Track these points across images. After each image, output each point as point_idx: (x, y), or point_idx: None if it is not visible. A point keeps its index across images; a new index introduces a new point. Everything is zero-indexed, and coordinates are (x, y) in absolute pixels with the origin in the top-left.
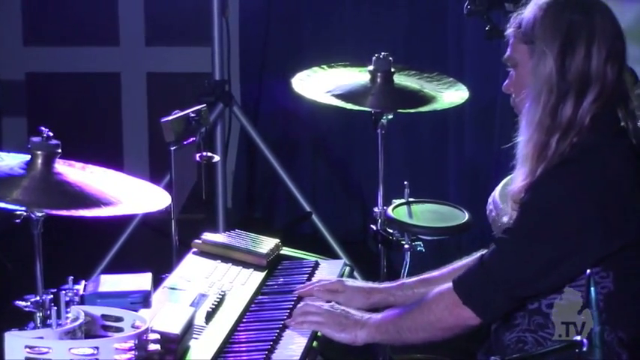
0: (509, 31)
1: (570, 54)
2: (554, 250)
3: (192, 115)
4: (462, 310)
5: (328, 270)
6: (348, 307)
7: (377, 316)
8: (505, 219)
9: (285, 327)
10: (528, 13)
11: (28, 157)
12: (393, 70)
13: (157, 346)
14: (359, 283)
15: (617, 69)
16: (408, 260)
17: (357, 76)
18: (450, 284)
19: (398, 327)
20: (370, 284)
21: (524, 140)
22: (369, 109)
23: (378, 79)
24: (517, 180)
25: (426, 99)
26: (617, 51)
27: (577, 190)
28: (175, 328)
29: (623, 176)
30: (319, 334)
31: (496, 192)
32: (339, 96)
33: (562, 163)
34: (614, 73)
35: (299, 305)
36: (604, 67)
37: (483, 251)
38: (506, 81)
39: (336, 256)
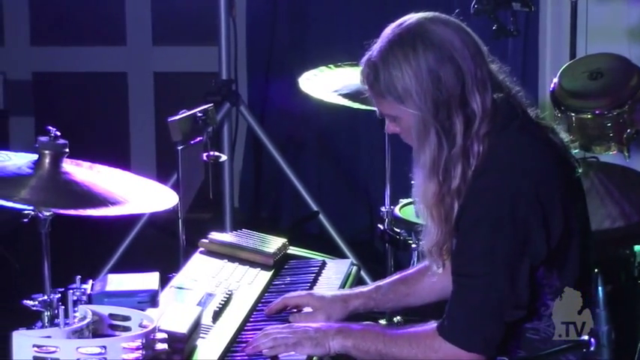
0: (366, 88)
1: (445, 108)
2: (511, 252)
3: (199, 114)
4: (467, 357)
5: (335, 269)
6: (328, 321)
7: (354, 328)
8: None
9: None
10: (383, 68)
11: (35, 156)
12: None
13: (165, 346)
14: (330, 292)
15: (490, 84)
16: (416, 259)
17: None
18: (433, 327)
19: (380, 351)
20: (342, 292)
21: (422, 193)
22: (375, 109)
23: None
24: (431, 237)
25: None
26: (482, 67)
27: (505, 194)
28: (182, 327)
29: (536, 169)
30: None
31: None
32: (345, 95)
33: (479, 175)
34: (489, 88)
35: (261, 333)
36: (481, 95)
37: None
38: (386, 126)
39: (343, 256)
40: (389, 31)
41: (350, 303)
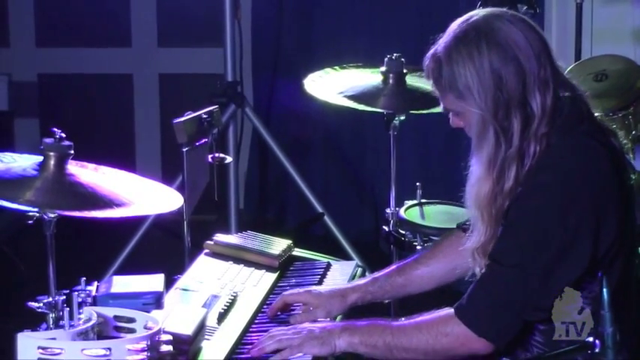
0: (431, 83)
1: (505, 107)
2: (553, 254)
3: (205, 116)
4: (476, 342)
5: (340, 271)
6: (328, 317)
7: (359, 324)
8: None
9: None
10: (447, 65)
11: (40, 158)
12: (405, 71)
13: (170, 347)
14: (328, 287)
15: (552, 83)
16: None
17: (370, 77)
18: (450, 312)
19: (389, 344)
20: (340, 286)
21: (476, 192)
22: (381, 110)
23: (391, 80)
24: (475, 239)
25: (438, 100)
26: (545, 63)
27: (561, 196)
28: (187, 329)
29: (598, 175)
30: None
31: None
32: (351, 97)
33: (545, 168)
34: (552, 88)
35: (266, 335)
36: (541, 95)
37: None
38: (451, 120)
39: (348, 257)
40: (455, 26)
41: (348, 297)
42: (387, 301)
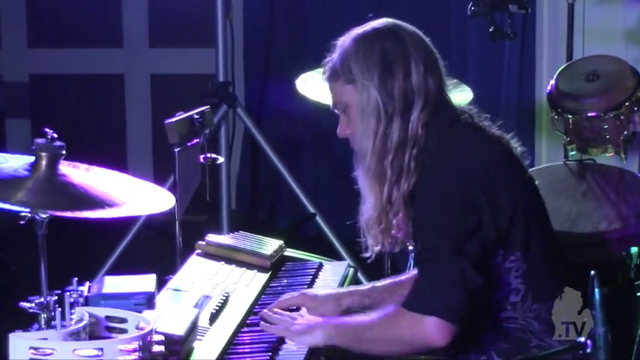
0: (325, 77)
1: (390, 79)
2: (455, 234)
3: (196, 116)
4: (430, 324)
5: (332, 271)
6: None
7: (336, 319)
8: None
9: None
10: (341, 54)
11: (32, 158)
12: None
13: (161, 348)
14: (324, 291)
15: (437, 78)
16: (412, 262)
17: None
18: (395, 306)
19: (358, 336)
20: (337, 290)
21: (361, 173)
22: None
23: None
24: (365, 211)
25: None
26: (432, 62)
27: (454, 182)
28: (179, 329)
29: (478, 152)
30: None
31: None
32: None
33: (426, 173)
34: (435, 82)
35: (283, 316)
36: (424, 79)
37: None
38: (339, 127)
39: (340, 258)
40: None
41: (343, 301)
42: None
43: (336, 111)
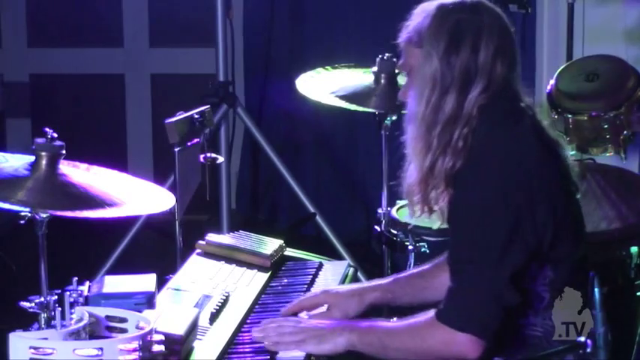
0: (400, 41)
1: (455, 51)
2: (498, 243)
3: (197, 116)
4: (462, 339)
5: (332, 271)
6: (344, 317)
7: (359, 324)
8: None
9: None
10: (417, 18)
11: (32, 158)
12: (397, 71)
13: (161, 347)
14: (346, 286)
15: (507, 64)
16: (412, 261)
17: (361, 78)
18: (432, 315)
19: (384, 343)
20: (358, 285)
21: (409, 137)
22: (373, 110)
23: (382, 81)
24: (409, 176)
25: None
26: (505, 48)
27: (498, 184)
28: (179, 329)
29: (529, 158)
30: None
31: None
32: (343, 97)
33: (473, 160)
34: (504, 69)
35: (270, 323)
36: (492, 61)
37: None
38: (401, 90)
39: (340, 257)
40: None
41: (366, 297)
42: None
43: (402, 74)
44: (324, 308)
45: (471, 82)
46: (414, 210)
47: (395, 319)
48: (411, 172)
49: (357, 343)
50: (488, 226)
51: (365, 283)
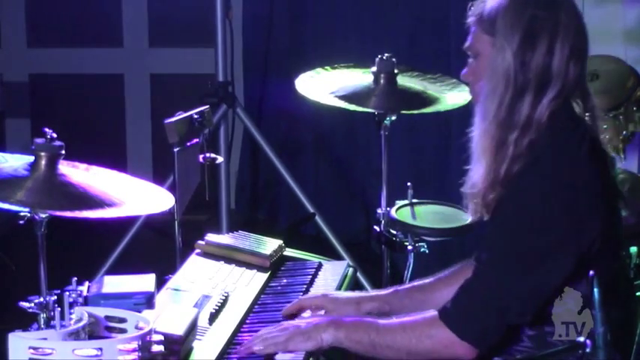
0: (471, 19)
1: (530, 50)
2: (531, 257)
3: (196, 116)
4: (459, 346)
5: (332, 271)
6: None
7: (346, 320)
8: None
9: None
10: (492, 2)
11: (31, 158)
12: (396, 71)
13: (161, 347)
14: (345, 293)
15: (579, 66)
16: (412, 261)
17: (361, 78)
18: (434, 314)
19: (374, 341)
20: (358, 293)
21: (479, 133)
22: (372, 110)
23: (382, 81)
24: (474, 175)
25: (429, 100)
26: (580, 48)
27: (552, 193)
28: (179, 329)
29: (589, 173)
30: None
31: None
32: (342, 97)
33: (532, 165)
34: (577, 70)
35: (257, 335)
36: (566, 64)
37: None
38: (465, 69)
39: (339, 257)
40: None
41: (363, 306)
42: None
43: (468, 55)
44: (321, 312)
45: (546, 85)
46: (474, 213)
47: (394, 317)
48: (476, 172)
49: (344, 340)
50: (522, 235)
51: (364, 292)
